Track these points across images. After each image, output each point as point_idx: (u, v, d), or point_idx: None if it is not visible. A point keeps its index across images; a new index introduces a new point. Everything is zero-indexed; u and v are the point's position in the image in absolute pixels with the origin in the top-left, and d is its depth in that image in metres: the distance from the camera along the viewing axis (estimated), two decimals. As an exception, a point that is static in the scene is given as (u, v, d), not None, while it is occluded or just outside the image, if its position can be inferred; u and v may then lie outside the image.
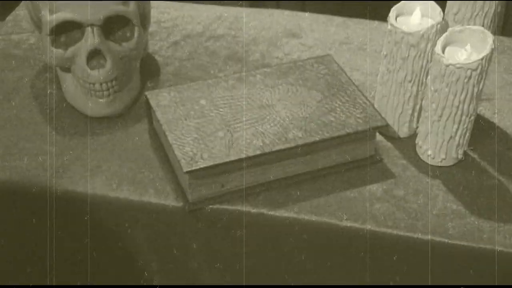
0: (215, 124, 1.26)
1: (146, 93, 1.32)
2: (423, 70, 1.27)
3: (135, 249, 1.32)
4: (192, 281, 1.34)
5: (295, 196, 1.25)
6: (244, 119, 1.27)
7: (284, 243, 1.26)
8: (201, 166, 1.19)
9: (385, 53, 1.29)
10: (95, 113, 1.36)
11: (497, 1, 1.33)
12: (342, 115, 1.28)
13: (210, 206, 1.24)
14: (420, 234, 1.21)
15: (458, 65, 1.18)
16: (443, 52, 1.22)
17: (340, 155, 1.28)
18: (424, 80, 1.28)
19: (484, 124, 1.37)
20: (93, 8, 1.29)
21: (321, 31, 1.59)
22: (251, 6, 1.69)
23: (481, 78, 1.20)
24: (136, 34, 1.35)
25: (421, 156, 1.31)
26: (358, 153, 1.30)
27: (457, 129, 1.25)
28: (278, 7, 1.71)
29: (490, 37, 1.21)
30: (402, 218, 1.23)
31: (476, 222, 1.22)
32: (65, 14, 1.29)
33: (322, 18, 1.63)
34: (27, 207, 1.30)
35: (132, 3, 1.33)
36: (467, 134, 1.27)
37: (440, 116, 1.24)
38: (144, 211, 1.26)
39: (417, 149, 1.32)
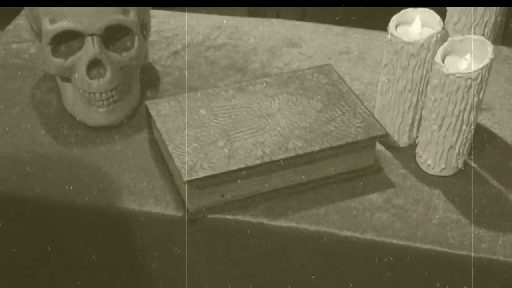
0: (215, 133, 1.26)
1: (146, 102, 1.32)
2: (423, 79, 1.27)
3: (135, 258, 1.31)
4: (192, 291, 1.34)
5: (295, 206, 1.25)
6: (244, 128, 1.27)
7: (283, 253, 1.26)
8: (201, 176, 1.19)
9: (385, 62, 1.29)
10: (95, 122, 1.36)
11: (497, 11, 1.34)
12: (342, 125, 1.28)
13: (210, 216, 1.24)
14: (420, 243, 1.21)
15: (458, 75, 1.18)
16: (443, 61, 1.22)
17: (340, 165, 1.28)
18: (424, 89, 1.28)
19: (484, 134, 1.37)
20: (93, 18, 1.29)
21: (321, 40, 1.59)
22: (251, 15, 1.69)
23: (481, 88, 1.20)
24: (136, 44, 1.35)
25: (421, 166, 1.31)
26: (358, 162, 1.29)
27: (457, 139, 1.25)
28: (278, 16, 1.71)
29: (490, 47, 1.21)
30: (402, 228, 1.22)
31: (476, 232, 1.22)
32: (65, 23, 1.29)
33: (322, 27, 1.63)
34: (26, 216, 1.29)
35: (132, 13, 1.33)
36: (467, 144, 1.27)
37: (440, 126, 1.24)
38: (144, 220, 1.25)
39: (417, 158, 1.32)
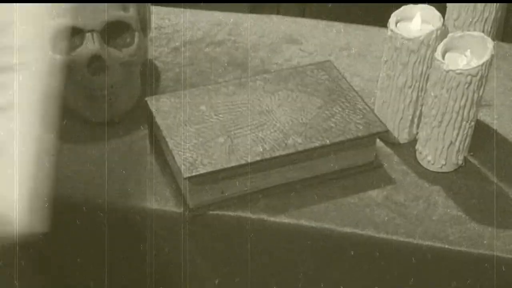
0: (215, 130, 1.26)
1: (146, 98, 1.32)
2: (423, 76, 1.27)
3: (134, 254, 1.31)
4: (192, 287, 1.33)
5: (295, 202, 1.25)
6: (244, 125, 1.27)
7: (284, 249, 1.26)
8: (201, 172, 1.19)
9: (385, 59, 1.29)
10: (95, 118, 1.36)
11: (497, 7, 1.33)
12: (342, 121, 1.28)
13: (210, 212, 1.24)
14: (420, 240, 1.21)
15: (458, 71, 1.18)
16: (443, 58, 1.22)
17: (340, 161, 1.28)
18: (424, 86, 1.28)
19: (484, 130, 1.37)
20: (93, 14, 1.29)
21: (321, 37, 1.59)
22: (251, 12, 1.69)
23: (481, 84, 1.20)
24: (136, 40, 1.35)
25: (421, 162, 1.31)
26: (358, 159, 1.29)
27: (457, 135, 1.25)
28: (278, 12, 1.71)
29: (490, 43, 1.21)
30: (402, 224, 1.23)
31: (476, 228, 1.22)
32: (65, 19, 1.29)
33: (322, 24, 1.63)
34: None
35: (132, 9, 1.33)
36: (467, 140, 1.27)
37: (440, 122, 1.24)
38: (144, 216, 1.25)
39: (417, 155, 1.32)
